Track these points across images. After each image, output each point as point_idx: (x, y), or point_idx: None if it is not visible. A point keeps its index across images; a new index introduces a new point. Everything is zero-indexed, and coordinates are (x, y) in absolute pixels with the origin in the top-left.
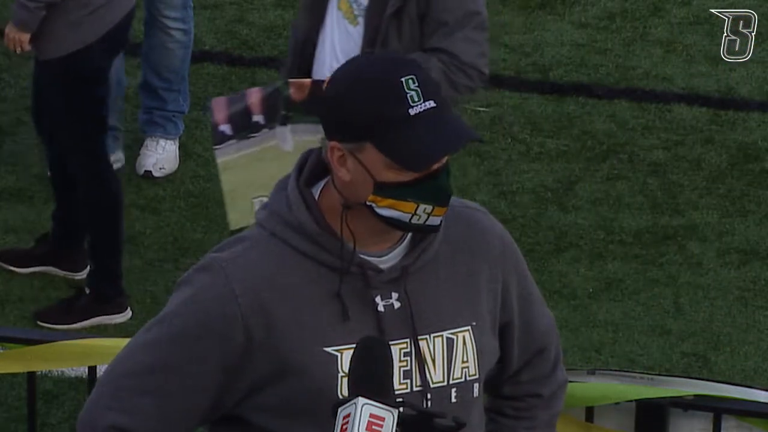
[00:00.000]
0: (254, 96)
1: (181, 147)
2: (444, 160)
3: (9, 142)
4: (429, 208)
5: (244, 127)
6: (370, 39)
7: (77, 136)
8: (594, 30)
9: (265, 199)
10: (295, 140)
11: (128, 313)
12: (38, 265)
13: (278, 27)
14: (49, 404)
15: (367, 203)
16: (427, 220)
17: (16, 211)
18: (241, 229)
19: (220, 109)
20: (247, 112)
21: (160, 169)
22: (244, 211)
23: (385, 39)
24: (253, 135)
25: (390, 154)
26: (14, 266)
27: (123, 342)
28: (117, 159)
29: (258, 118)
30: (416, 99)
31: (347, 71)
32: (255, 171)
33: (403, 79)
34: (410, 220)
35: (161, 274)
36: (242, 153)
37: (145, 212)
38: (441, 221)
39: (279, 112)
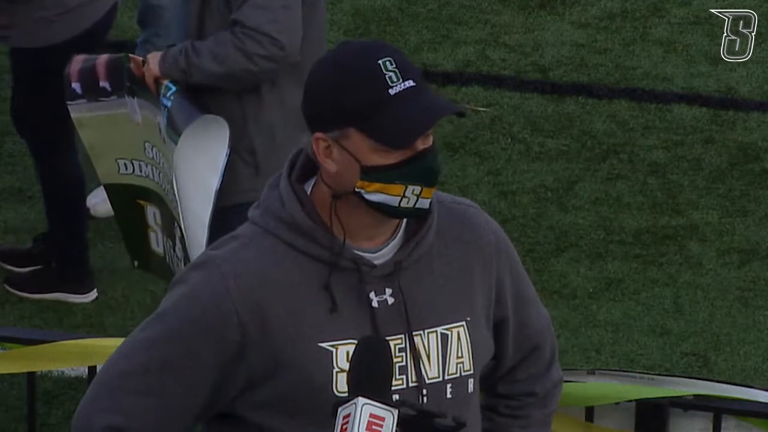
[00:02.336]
0: (101, 61)
1: None
2: (429, 141)
3: (9, 142)
4: (417, 189)
5: (92, 89)
6: (192, 24)
7: (39, 126)
8: (594, 30)
9: (127, 162)
10: (142, 114)
11: (92, 295)
12: (36, 265)
13: None
14: (49, 404)
15: (356, 190)
16: (416, 202)
17: (16, 211)
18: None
19: (75, 64)
20: (94, 76)
21: None
22: (111, 170)
23: (201, 21)
24: (102, 99)
25: (374, 135)
26: (13, 265)
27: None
28: None
29: (104, 84)
30: (395, 79)
31: (323, 63)
32: (112, 134)
33: (380, 62)
34: (399, 203)
35: None
36: (94, 114)
37: None
38: (431, 204)
39: (124, 82)
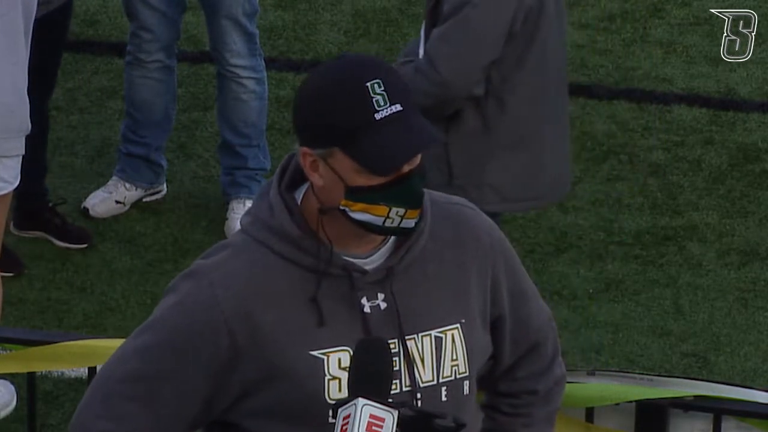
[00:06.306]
0: None
1: (181, 147)
2: (416, 162)
3: None
4: (401, 211)
5: None
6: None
7: None
8: (594, 31)
9: None
10: None
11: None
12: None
13: (278, 28)
14: (49, 405)
15: (341, 208)
16: (400, 222)
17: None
18: None
19: None
20: None
21: None
22: None
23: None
24: None
25: (357, 159)
26: (9, 272)
27: None
28: (159, 190)
29: None
30: (382, 103)
31: (314, 77)
32: None
33: (368, 84)
34: (384, 223)
35: (161, 274)
36: None
37: (145, 212)
38: (416, 223)
39: None
